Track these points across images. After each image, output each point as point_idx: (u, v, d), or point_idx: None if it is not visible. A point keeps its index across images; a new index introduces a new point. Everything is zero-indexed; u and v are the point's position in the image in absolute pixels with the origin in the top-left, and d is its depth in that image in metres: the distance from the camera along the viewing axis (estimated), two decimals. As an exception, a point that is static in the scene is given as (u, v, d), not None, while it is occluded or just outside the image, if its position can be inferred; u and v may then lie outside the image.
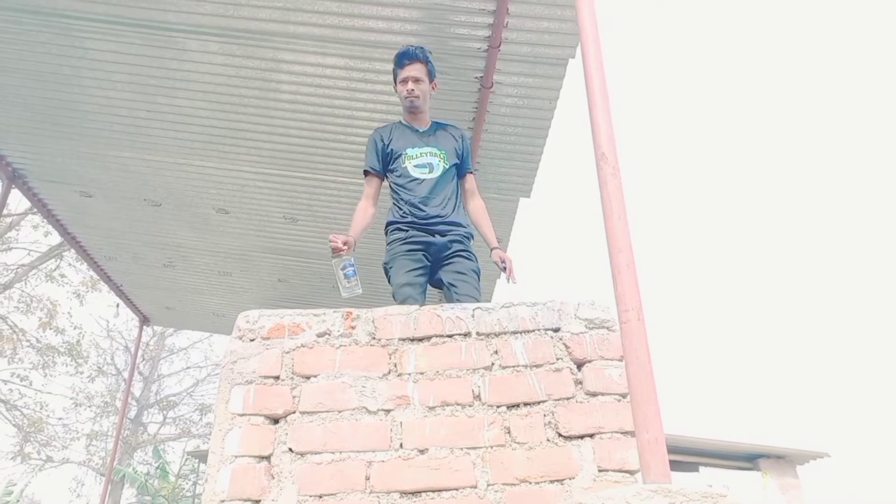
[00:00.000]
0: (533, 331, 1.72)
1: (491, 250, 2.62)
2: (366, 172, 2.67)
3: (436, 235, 2.49)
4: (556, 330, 1.72)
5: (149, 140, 4.06)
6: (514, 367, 1.67)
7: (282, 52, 3.33)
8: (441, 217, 2.51)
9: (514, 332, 1.72)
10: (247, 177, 4.36)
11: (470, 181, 2.75)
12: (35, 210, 6.38)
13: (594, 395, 1.62)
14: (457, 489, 1.49)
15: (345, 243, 2.38)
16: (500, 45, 3.09)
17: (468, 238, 2.58)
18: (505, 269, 2.55)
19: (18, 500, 14.57)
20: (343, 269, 2.37)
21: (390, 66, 3.33)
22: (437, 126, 2.72)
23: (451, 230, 2.52)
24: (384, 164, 2.64)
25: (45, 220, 6.67)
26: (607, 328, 1.73)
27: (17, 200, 11.49)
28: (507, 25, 3.02)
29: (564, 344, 1.70)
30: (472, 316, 1.74)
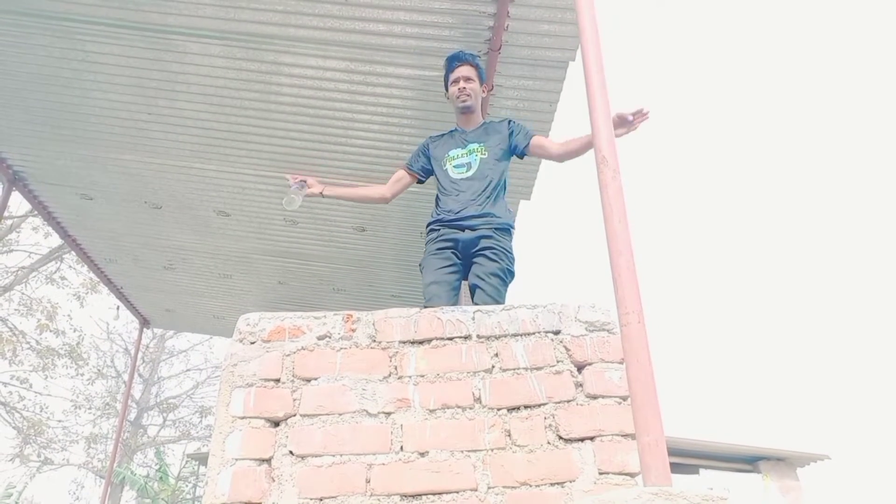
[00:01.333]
0: (533, 333, 1.72)
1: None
2: (401, 168, 2.83)
3: (465, 231, 2.47)
4: (557, 332, 1.72)
5: (150, 143, 4.07)
6: (514, 369, 1.67)
7: (282, 55, 3.33)
8: (471, 211, 2.49)
9: (515, 335, 1.72)
10: (247, 179, 4.36)
11: (538, 140, 2.62)
12: (35, 212, 6.39)
13: (595, 397, 1.62)
14: (457, 492, 1.49)
15: (301, 179, 2.77)
16: (500, 48, 3.09)
17: (502, 230, 2.48)
18: (631, 120, 2.33)
19: (18, 503, 14.55)
20: (292, 189, 2.77)
21: (391, 69, 3.35)
22: (487, 124, 2.74)
23: (481, 224, 2.46)
24: (425, 168, 2.74)
25: (45, 223, 6.68)
26: (608, 331, 1.73)
27: (18, 203, 11.51)
28: (508, 28, 3.02)
29: (565, 346, 1.70)
30: (473, 318, 1.75)
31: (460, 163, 2.61)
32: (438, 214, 2.57)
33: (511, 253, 2.48)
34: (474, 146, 2.62)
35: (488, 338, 1.72)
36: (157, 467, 16.27)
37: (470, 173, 2.57)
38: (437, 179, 2.68)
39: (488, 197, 2.52)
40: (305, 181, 2.73)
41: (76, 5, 3.13)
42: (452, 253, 2.47)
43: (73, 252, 6.79)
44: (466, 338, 1.72)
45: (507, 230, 2.51)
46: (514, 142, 2.64)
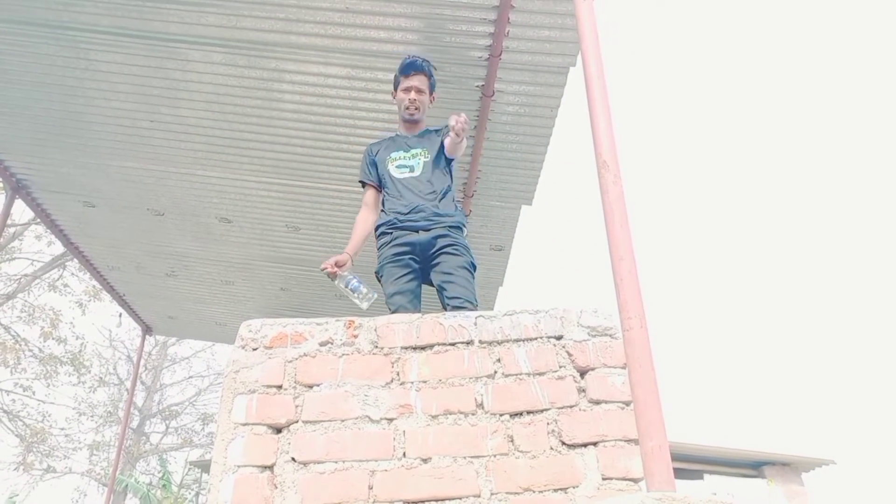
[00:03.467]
0: (536, 338, 1.72)
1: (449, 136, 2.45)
2: (362, 184, 2.74)
3: (419, 232, 2.46)
4: (559, 338, 1.72)
5: (152, 150, 4.08)
6: (516, 375, 1.66)
7: (284, 63, 3.35)
8: (423, 211, 2.48)
9: (517, 340, 1.72)
10: (249, 186, 4.37)
11: (446, 140, 2.56)
12: (38, 220, 6.40)
13: (597, 402, 1.62)
14: (460, 498, 1.49)
15: (336, 263, 2.41)
16: (501, 54, 3.10)
17: (457, 228, 2.51)
18: (452, 127, 2.36)
19: (21, 511, 14.53)
20: (347, 285, 2.39)
21: (392, 76, 3.36)
22: (427, 130, 2.75)
23: (434, 223, 2.47)
24: (377, 174, 2.69)
25: (48, 231, 6.70)
26: (610, 336, 1.72)
27: (21, 211, 11.55)
28: (508, 34, 3.03)
29: (567, 352, 1.70)
30: (475, 324, 1.74)
31: (403, 164, 2.62)
32: (387, 216, 2.53)
33: (468, 247, 2.51)
34: (417, 150, 2.64)
35: (490, 343, 1.72)
36: (160, 475, 16.26)
37: (413, 174, 2.57)
38: (382, 181, 2.66)
39: (435, 197, 2.53)
40: (338, 263, 2.41)
41: (80, 14, 3.15)
42: (410, 259, 2.45)
43: (75, 260, 6.80)
44: (469, 343, 1.71)
45: (459, 227, 2.53)
46: (441, 143, 2.63)
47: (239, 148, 4.01)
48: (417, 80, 2.67)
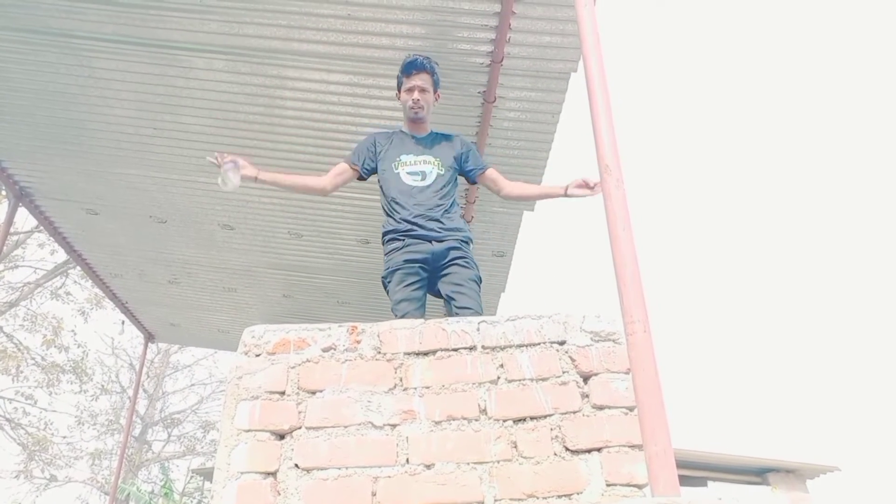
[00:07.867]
0: (539, 344, 1.71)
1: (566, 192, 2.58)
2: (344, 161, 2.70)
3: (433, 242, 2.46)
4: (562, 343, 1.72)
5: (155, 157, 4.09)
6: (519, 380, 1.66)
7: (286, 70, 3.36)
8: (437, 223, 2.50)
9: (520, 346, 1.71)
10: (252, 193, 4.37)
11: (491, 173, 2.73)
12: (41, 228, 6.42)
13: (601, 408, 1.61)
14: (464, 504, 1.48)
15: (234, 161, 2.49)
16: (502, 60, 3.11)
17: (466, 243, 2.55)
18: (592, 187, 2.49)
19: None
20: (225, 168, 2.50)
21: (394, 83, 3.36)
22: (436, 135, 2.75)
23: (448, 235, 2.49)
24: (368, 166, 2.67)
25: (51, 238, 6.72)
26: (613, 341, 1.72)
27: (24, 218, 11.58)
28: (510, 40, 3.04)
29: (570, 357, 1.69)
30: (478, 329, 1.74)
31: (414, 170, 2.59)
32: (397, 223, 2.51)
33: (476, 262, 2.55)
34: (428, 158, 2.62)
35: (493, 349, 1.71)
36: (162, 483, 16.19)
37: (425, 183, 2.56)
38: (386, 182, 2.62)
39: (447, 211, 2.55)
40: (237, 162, 2.52)
41: (83, 22, 3.17)
42: (420, 268, 2.45)
43: (78, 267, 6.82)
44: (471, 349, 1.71)
45: (468, 242, 2.57)
46: (465, 168, 2.72)
47: (241, 155, 4.00)
48: (420, 80, 2.65)
